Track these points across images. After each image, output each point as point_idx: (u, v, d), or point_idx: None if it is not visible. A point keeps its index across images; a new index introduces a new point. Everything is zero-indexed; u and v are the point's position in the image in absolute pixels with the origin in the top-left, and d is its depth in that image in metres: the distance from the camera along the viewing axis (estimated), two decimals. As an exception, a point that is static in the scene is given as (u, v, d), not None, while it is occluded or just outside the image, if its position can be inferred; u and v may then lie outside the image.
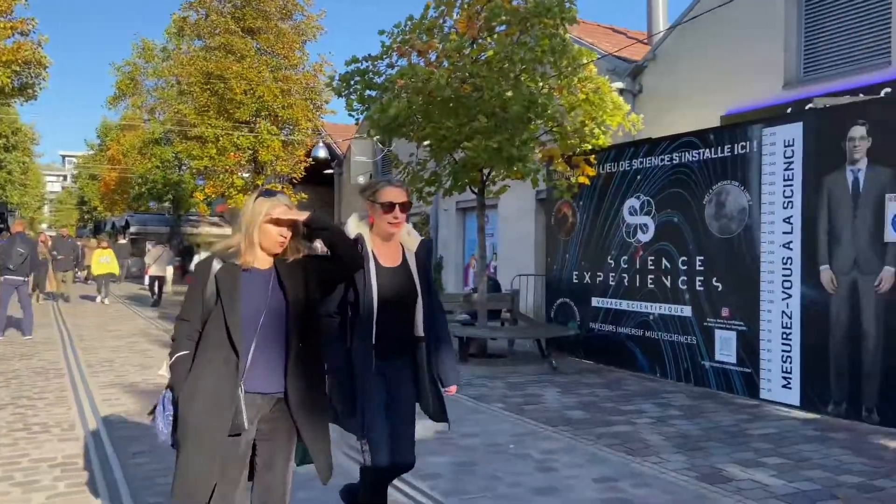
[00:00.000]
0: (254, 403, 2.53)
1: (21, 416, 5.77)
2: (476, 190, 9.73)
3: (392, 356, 2.97)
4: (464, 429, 5.48)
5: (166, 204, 37.25)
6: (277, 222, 2.53)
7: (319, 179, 22.53)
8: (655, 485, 4.19)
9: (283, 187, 20.83)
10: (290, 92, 19.69)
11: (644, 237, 8.30)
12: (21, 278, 10.63)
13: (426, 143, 9.00)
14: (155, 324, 13.06)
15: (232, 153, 20.10)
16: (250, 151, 20.17)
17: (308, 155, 20.56)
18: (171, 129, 21.46)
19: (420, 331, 3.03)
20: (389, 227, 2.97)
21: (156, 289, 17.69)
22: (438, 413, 3.08)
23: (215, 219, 36.46)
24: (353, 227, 3.00)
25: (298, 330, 2.57)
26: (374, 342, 2.89)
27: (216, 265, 2.55)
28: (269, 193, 2.60)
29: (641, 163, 8.40)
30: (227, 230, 36.03)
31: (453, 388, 3.19)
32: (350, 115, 9.79)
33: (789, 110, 8.14)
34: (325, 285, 2.75)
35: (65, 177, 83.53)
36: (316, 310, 2.71)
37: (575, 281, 9.47)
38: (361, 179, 19.92)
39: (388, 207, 2.94)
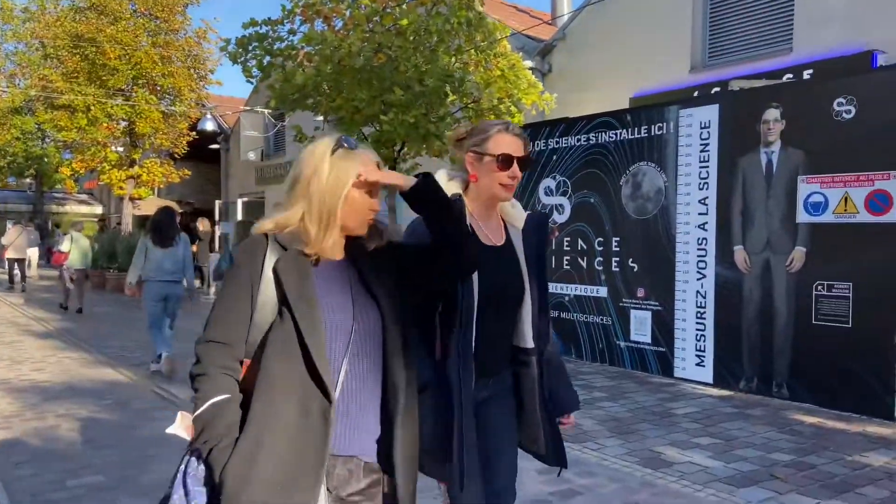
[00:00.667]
0: (346, 473, 1.62)
1: None
2: (387, 168, 9.32)
3: (492, 376, 2.11)
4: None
5: (27, 180, 33.89)
6: (370, 189, 1.66)
7: (203, 155, 21.13)
8: (600, 473, 4.05)
9: (161, 163, 19.38)
10: (171, 59, 18.25)
11: (560, 218, 8.23)
12: None
13: (338, 115, 8.46)
14: (22, 311, 11.68)
15: (105, 124, 18.43)
16: (126, 123, 18.56)
17: (192, 128, 19.20)
18: (35, 96, 19.26)
19: (528, 340, 2.15)
20: (503, 190, 2.08)
21: (16, 272, 15.91)
22: (554, 453, 2.22)
23: (84, 196, 33.59)
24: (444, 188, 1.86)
25: (397, 355, 1.66)
26: (474, 356, 2.00)
27: (272, 254, 1.60)
28: (349, 143, 1.67)
29: (557, 143, 8.30)
30: (98, 209, 33.33)
31: (572, 419, 2.36)
32: (248, 81, 9.07)
33: (696, 94, 8.32)
34: (418, 288, 1.81)
35: None
36: (412, 325, 1.76)
37: (487, 262, 9.29)
38: (252, 155, 18.90)
39: (505, 162, 2.03)
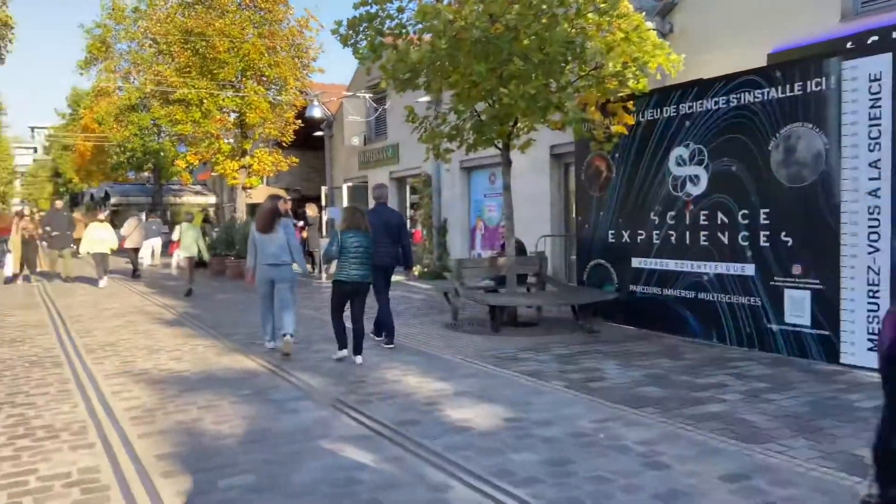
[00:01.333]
0: None
1: (20, 417, 4.98)
2: (501, 144, 8.93)
3: None
4: (535, 415, 4.80)
5: (145, 174, 35.93)
6: None
7: (308, 143, 21.46)
8: (800, 482, 3.54)
9: (270, 152, 19.82)
10: (277, 49, 18.54)
11: (695, 190, 7.58)
12: None
13: (454, 91, 8.11)
14: (150, 300, 12.20)
15: (217, 116, 19.04)
16: (236, 114, 19.11)
17: (298, 117, 19.51)
18: (152, 90, 20.14)
19: None
20: None
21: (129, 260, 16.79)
22: None
23: (198, 187, 35.21)
24: None
25: None
26: None
27: None
28: None
29: (690, 107, 7.63)
30: (211, 198, 34.88)
31: None
32: (361, 63, 8.88)
33: (849, 45, 7.37)
34: None
35: (35, 149, 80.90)
36: None
37: (611, 241, 8.77)
38: (356, 140, 18.99)
39: None
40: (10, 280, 15.34)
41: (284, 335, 7.11)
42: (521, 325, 8.96)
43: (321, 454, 4.12)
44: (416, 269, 15.81)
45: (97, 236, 14.72)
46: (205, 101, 18.19)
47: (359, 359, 6.73)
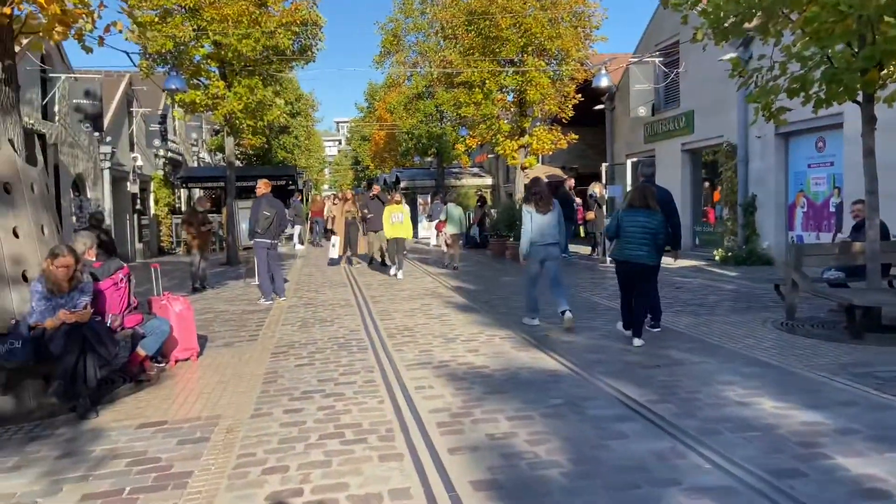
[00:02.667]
0: None
1: (330, 411, 4.80)
2: (861, 98, 6.93)
3: None
4: None
5: (428, 158, 38.14)
6: None
7: (584, 118, 20.23)
8: None
9: (550, 129, 19.14)
10: (558, 20, 17.70)
11: None
12: (268, 240, 10.27)
13: (808, 29, 6.40)
14: (442, 282, 12.29)
15: (498, 97, 18.91)
16: (514, 93, 18.75)
17: (579, 90, 18.51)
18: (437, 76, 20.79)
19: None
20: None
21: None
22: None
23: (475, 169, 36.34)
24: None
25: None
26: None
27: None
28: None
29: None
30: (488, 180, 35.75)
31: None
32: (675, 9, 7.56)
33: None
34: None
35: (339, 141, 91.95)
36: None
37: None
38: (643, 111, 17.40)
39: None
40: (335, 262, 15.86)
41: (563, 312, 7.39)
42: (887, 330, 6.92)
43: (663, 492, 3.13)
44: (718, 254, 13.90)
45: (393, 220, 13.51)
46: (486, 81, 18.11)
47: (637, 341, 6.55)
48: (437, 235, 18.29)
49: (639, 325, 6.61)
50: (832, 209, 11.96)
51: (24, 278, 5.31)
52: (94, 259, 5.88)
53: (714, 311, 8.40)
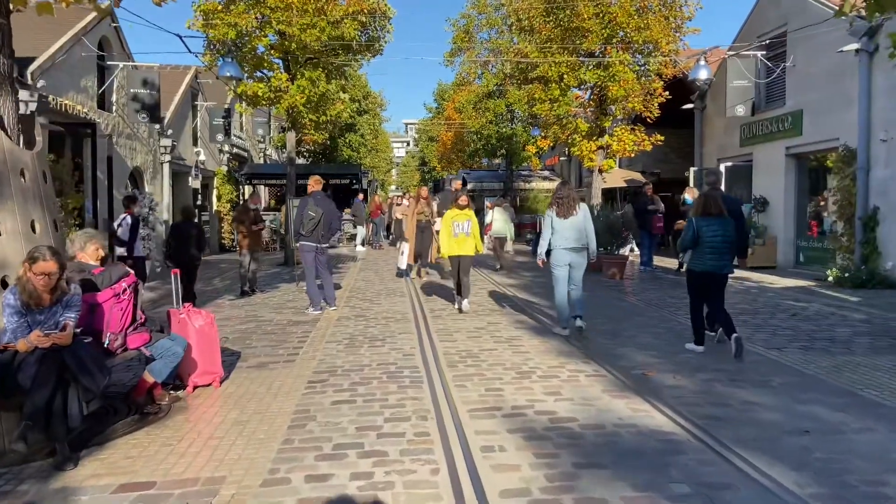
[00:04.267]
0: None
1: (366, 482, 3.58)
2: None
3: None
4: None
5: (497, 160, 36.80)
6: None
7: (667, 120, 18.34)
8: None
9: (633, 129, 17.51)
10: (648, 9, 16.08)
11: None
12: (314, 243, 9.12)
13: None
14: (508, 291, 10.95)
15: (576, 94, 17.45)
16: (595, 89, 17.22)
17: (666, 88, 16.81)
18: (511, 71, 19.48)
19: None
20: None
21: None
22: None
23: (546, 173, 34.77)
24: None
25: None
26: None
27: None
28: None
29: None
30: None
31: None
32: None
33: None
34: None
35: (407, 143, 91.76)
36: None
37: None
38: (741, 110, 15.56)
39: None
40: (404, 273, 13.16)
41: (575, 318, 7.42)
42: None
43: None
44: (831, 273, 12.04)
45: (459, 230, 12.55)
46: (564, 76, 16.67)
47: (735, 338, 6.30)
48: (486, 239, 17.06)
49: (730, 324, 6.44)
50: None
51: (4, 284, 4.32)
52: (96, 263, 4.85)
53: (851, 348, 6.77)
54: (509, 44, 23.23)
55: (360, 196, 23.91)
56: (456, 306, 9.32)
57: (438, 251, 11.55)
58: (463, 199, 9.29)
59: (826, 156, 13.64)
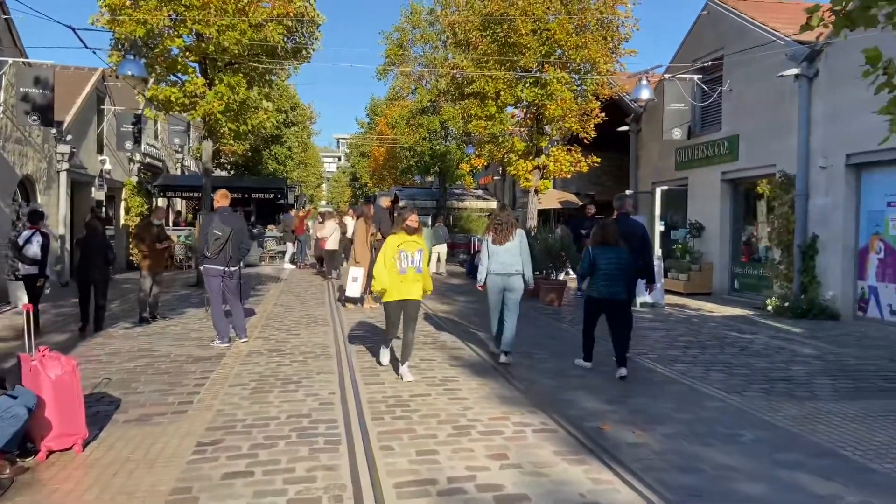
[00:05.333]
0: None
1: None
2: None
3: None
4: None
5: (429, 178, 36.09)
6: None
7: (600, 142, 17.90)
8: None
9: (569, 150, 17.10)
10: (585, 27, 15.73)
11: None
12: (221, 267, 7.99)
13: None
14: (446, 324, 10.06)
15: (511, 112, 16.94)
16: (532, 107, 16.69)
17: (604, 108, 16.49)
18: (445, 89, 18.80)
19: None
20: None
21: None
22: None
23: (479, 192, 34.28)
24: None
25: None
26: None
27: None
28: None
29: None
30: (493, 203, 33.69)
31: None
32: None
33: None
34: None
35: (339, 158, 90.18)
36: None
37: None
38: (677, 133, 15.35)
39: None
40: (355, 300, 11.74)
41: (502, 353, 7.26)
42: None
43: None
44: (771, 303, 11.76)
45: (407, 264, 10.91)
46: (501, 93, 16.09)
47: (622, 370, 6.61)
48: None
49: (623, 354, 6.69)
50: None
51: None
52: None
53: (814, 391, 6.22)
54: (445, 60, 22.63)
55: (292, 211, 22.65)
56: (400, 371, 6.59)
57: (369, 291, 9.96)
58: (413, 220, 6.58)
59: (762, 182, 13.50)
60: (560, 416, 5.29)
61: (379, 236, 11.35)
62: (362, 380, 6.47)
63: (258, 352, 7.80)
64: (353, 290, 10.96)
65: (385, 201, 12.96)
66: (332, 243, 16.29)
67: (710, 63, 14.48)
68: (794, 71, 11.70)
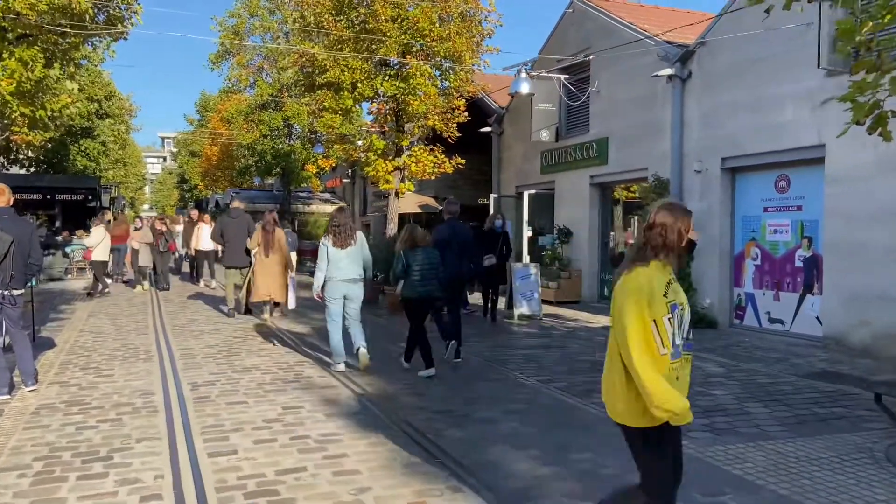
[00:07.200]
0: None
1: None
2: None
3: None
4: None
5: (270, 181, 33.45)
6: None
7: (460, 144, 16.91)
8: None
9: (432, 150, 15.89)
10: (450, 18, 14.61)
11: None
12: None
13: None
14: (295, 344, 8.30)
15: (373, 106, 15.47)
16: (393, 102, 15.28)
17: (469, 107, 15.44)
18: (293, 80, 16.82)
19: None
20: None
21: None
22: None
23: (327, 195, 32.25)
24: None
25: None
26: None
27: None
28: None
29: None
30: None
31: None
32: None
33: None
34: None
35: (164, 158, 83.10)
36: None
37: None
38: (545, 135, 14.68)
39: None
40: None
41: (358, 349, 7.11)
42: None
43: None
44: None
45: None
46: (359, 84, 14.51)
47: (430, 371, 6.81)
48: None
49: (429, 354, 6.86)
50: (799, 264, 9.70)
51: None
52: None
53: (759, 425, 5.36)
54: (288, 49, 20.56)
55: (107, 214, 19.34)
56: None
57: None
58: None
59: (634, 186, 13.13)
60: (491, 491, 3.87)
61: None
62: (204, 447, 4.63)
63: (51, 406, 5.63)
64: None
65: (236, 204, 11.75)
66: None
67: (577, 62, 13.95)
68: (669, 71, 11.32)
